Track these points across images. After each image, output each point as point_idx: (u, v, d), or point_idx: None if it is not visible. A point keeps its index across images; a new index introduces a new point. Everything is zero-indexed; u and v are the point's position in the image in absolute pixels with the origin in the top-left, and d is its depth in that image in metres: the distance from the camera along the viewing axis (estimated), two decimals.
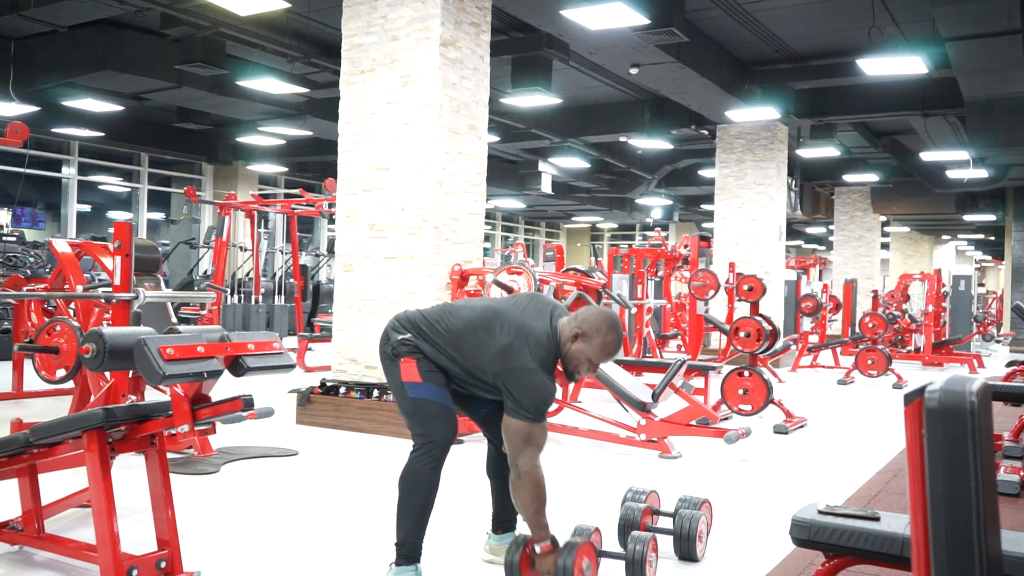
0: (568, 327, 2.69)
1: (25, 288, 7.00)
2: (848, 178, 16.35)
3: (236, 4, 6.79)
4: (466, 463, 4.54)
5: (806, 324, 12.11)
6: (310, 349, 9.75)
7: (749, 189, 11.86)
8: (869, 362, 9.98)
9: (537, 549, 2.69)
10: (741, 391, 6.29)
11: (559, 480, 4.67)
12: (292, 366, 2.91)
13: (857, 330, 12.06)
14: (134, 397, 4.25)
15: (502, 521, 3.07)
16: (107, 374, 4.35)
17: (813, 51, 9.66)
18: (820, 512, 2.16)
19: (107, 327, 3.27)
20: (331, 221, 15.17)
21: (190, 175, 16.26)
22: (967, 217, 19.29)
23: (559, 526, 3.55)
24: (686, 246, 10.62)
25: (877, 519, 2.11)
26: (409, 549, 2.73)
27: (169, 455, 3.93)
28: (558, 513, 3.87)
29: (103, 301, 4.88)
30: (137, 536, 3.13)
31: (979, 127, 10.17)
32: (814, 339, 12.60)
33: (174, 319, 6.47)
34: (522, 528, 3.25)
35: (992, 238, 25.50)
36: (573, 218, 26.36)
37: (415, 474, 2.73)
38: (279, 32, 8.86)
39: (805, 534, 2.13)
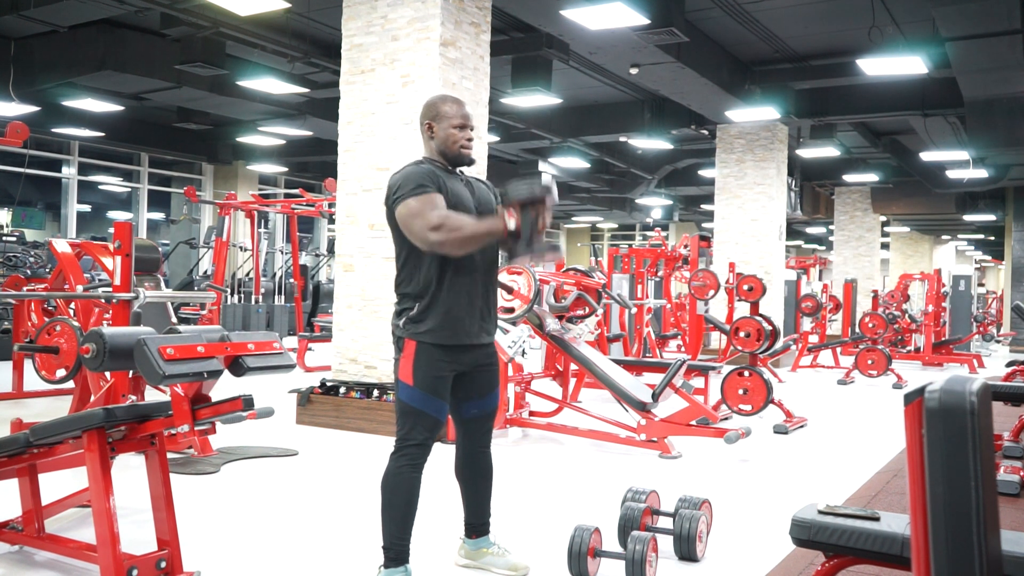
0: (422, 132, 2.88)
1: (25, 288, 7.00)
2: (848, 178, 16.35)
3: (236, 4, 6.79)
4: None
5: (806, 324, 12.11)
6: (310, 349, 9.75)
7: (749, 189, 11.86)
8: (869, 362, 9.98)
9: (512, 224, 2.56)
10: (741, 391, 6.29)
11: (559, 480, 4.68)
12: (292, 366, 2.91)
13: (857, 330, 12.06)
14: (134, 397, 4.25)
15: (475, 526, 3.04)
16: (107, 374, 4.35)
17: (813, 51, 9.66)
18: (820, 512, 2.16)
19: (107, 327, 3.27)
20: (331, 221, 15.17)
21: (190, 175, 16.27)
22: (967, 217, 19.30)
23: (559, 526, 3.56)
24: (686, 246, 10.62)
25: (877, 519, 2.11)
26: (396, 552, 2.73)
27: (169, 455, 3.93)
28: (558, 513, 3.88)
29: (103, 301, 4.88)
30: (137, 536, 3.13)
31: (979, 127, 10.17)
32: (814, 339, 12.60)
33: (174, 319, 6.47)
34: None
35: (992, 238, 25.50)
36: (573, 218, 26.36)
37: (395, 477, 2.73)
38: (279, 32, 8.87)
39: (805, 534, 2.13)
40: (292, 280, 12.68)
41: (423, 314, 2.74)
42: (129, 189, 15.98)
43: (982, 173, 13.59)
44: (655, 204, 20.68)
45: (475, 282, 2.80)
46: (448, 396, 2.81)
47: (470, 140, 2.87)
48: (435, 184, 2.72)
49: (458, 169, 2.91)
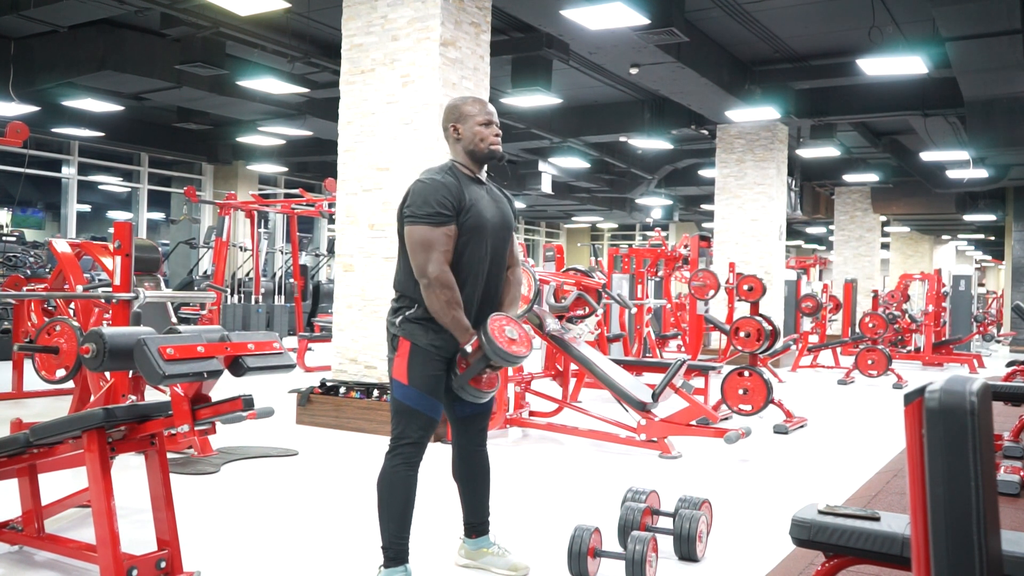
0: (447, 136, 2.89)
1: (25, 288, 7.00)
2: (848, 178, 16.36)
3: (236, 4, 6.79)
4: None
5: (806, 324, 12.11)
6: (310, 349, 9.75)
7: (749, 189, 11.86)
8: (869, 362, 9.98)
9: (468, 349, 2.68)
10: (741, 391, 6.29)
11: (559, 480, 4.68)
12: (292, 366, 2.91)
13: (857, 330, 12.06)
14: (134, 397, 4.25)
15: (474, 525, 3.04)
16: (107, 374, 4.35)
17: (813, 51, 9.66)
18: (820, 512, 2.16)
19: (107, 327, 3.27)
20: (331, 221, 15.17)
21: (190, 175, 16.27)
22: (967, 217, 19.30)
23: (559, 526, 3.56)
24: (686, 246, 10.62)
25: (877, 519, 2.11)
26: (396, 551, 2.73)
27: (169, 455, 3.93)
28: (558, 513, 3.88)
29: (103, 301, 4.88)
30: (137, 536, 3.13)
31: (979, 127, 10.17)
32: (814, 339, 12.60)
33: (174, 319, 6.47)
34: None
35: (992, 238, 25.50)
36: (573, 218, 26.36)
37: (391, 476, 2.73)
38: (279, 32, 8.87)
39: (805, 534, 2.13)
40: (292, 280, 12.68)
41: (423, 321, 2.73)
42: (129, 189, 15.98)
43: (982, 173, 13.59)
44: (655, 204, 20.69)
45: (475, 295, 2.78)
46: (443, 395, 2.79)
47: (497, 136, 2.88)
48: (455, 208, 2.70)
49: (484, 170, 2.92)
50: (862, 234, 18.65)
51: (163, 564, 2.71)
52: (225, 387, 2.99)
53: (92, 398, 4.54)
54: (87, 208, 16.14)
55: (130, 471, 4.27)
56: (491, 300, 2.84)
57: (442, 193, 2.70)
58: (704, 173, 15.98)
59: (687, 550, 3.18)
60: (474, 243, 2.74)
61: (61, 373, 4.76)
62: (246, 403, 2.63)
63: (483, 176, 2.93)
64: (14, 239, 10.92)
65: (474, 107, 2.85)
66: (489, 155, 2.86)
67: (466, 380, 2.71)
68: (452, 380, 2.74)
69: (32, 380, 6.02)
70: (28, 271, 9.89)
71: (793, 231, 24.87)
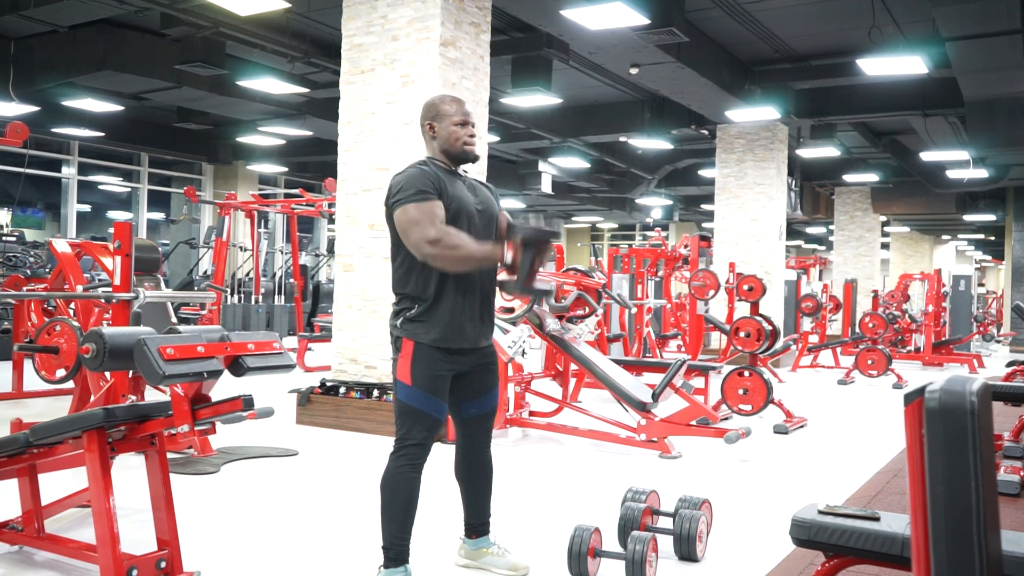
0: (423, 133, 2.90)
1: (25, 288, 7.00)
2: (848, 178, 16.35)
3: (236, 4, 6.79)
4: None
5: (806, 324, 12.11)
6: (310, 349, 9.75)
7: (749, 189, 11.86)
8: (869, 362, 9.98)
9: (508, 258, 2.65)
10: (741, 391, 6.29)
11: (559, 480, 4.68)
12: (292, 366, 2.91)
13: (857, 330, 12.06)
14: (134, 397, 4.25)
15: (475, 526, 3.04)
16: (107, 374, 4.35)
17: (813, 51, 9.66)
18: (820, 512, 2.16)
19: (107, 327, 3.27)
20: (331, 221, 15.17)
21: (190, 175, 16.27)
22: (967, 217, 19.29)
23: (559, 526, 3.56)
24: (686, 246, 10.62)
25: (877, 519, 2.11)
26: (396, 552, 2.73)
27: (169, 455, 3.93)
28: (558, 513, 3.88)
29: (103, 301, 4.88)
30: (137, 536, 3.13)
31: (979, 127, 10.18)
32: (814, 339, 12.60)
33: (174, 319, 6.47)
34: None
35: (992, 238, 25.50)
36: (573, 218, 26.36)
37: (394, 477, 2.73)
38: (279, 32, 8.86)
39: (805, 534, 2.13)
40: (292, 280, 12.68)
41: (423, 317, 2.74)
42: (129, 189, 15.98)
43: (982, 173, 13.59)
44: (655, 204, 20.69)
45: (475, 286, 2.80)
46: (447, 395, 2.80)
47: (472, 136, 2.88)
48: (437, 189, 2.72)
49: (461, 168, 2.92)
50: (862, 234, 18.65)
51: (163, 564, 2.71)
52: (225, 387, 2.99)
53: (92, 398, 4.54)
54: (87, 208, 16.14)
55: (130, 471, 4.27)
56: (487, 284, 2.86)
57: (424, 176, 2.73)
58: (704, 173, 15.97)
59: (687, 550, 3.18)
60: (459, 228, 2.74)
61: (61, 373, 4.76)
62: (246, 403, 2.63)
63: (460, 171, 2.94)
64: (14, 239, 10.92)
65: (451, 106, 2.86)
66: (463, 155, 2.86)
67: (523, 280, 2.64)
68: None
69: (32, 380, 6.02)
70: (28, 271, 9.89)
71: (793, 231, 24.87)
